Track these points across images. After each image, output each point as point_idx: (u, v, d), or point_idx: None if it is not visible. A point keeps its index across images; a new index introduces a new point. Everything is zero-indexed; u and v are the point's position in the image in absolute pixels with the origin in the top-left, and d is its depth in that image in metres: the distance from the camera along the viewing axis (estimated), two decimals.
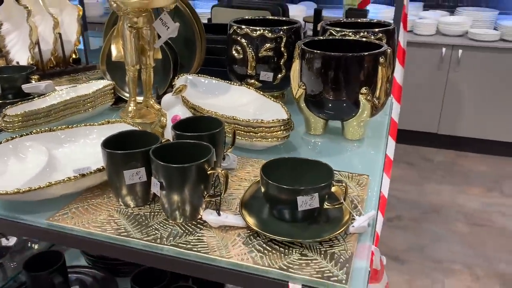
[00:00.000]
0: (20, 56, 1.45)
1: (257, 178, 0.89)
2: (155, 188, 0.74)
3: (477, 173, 2.95)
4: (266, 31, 1.18)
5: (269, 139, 0.97)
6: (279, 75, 1.22)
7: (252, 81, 1.24)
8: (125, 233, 0.73)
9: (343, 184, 0.74)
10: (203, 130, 0.84)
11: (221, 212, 0.75)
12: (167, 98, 0.99)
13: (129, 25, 1.02)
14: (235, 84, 1.19)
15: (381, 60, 0.98)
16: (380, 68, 0.99)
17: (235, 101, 1.15)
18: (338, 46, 1.09)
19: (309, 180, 0.77)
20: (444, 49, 2.99)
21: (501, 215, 2.51)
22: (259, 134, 0.97)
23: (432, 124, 3.19)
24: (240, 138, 0.98)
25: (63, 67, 1.50)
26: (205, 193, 0.75)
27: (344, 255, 0.68)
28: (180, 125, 0.85)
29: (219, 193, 0.75)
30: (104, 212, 0.78)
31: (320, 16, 1.65)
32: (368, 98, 1.00)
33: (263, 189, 0.74)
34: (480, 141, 3.14)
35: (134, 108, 1.10)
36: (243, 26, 1.20)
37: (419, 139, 3.29)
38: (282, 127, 0.98)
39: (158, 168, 0.71)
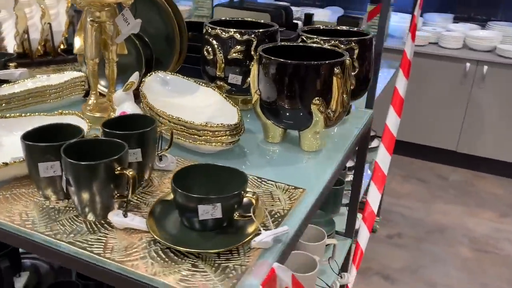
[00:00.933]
0: (12, 43, 1.49)
1: None
2: (64, 183, 0.74)
3: (492, 196, 2.81)
4: (237, 33, 1.15)
5: (213, 143, 0.95)
6: (249, 79, 1.20)
7: (222, 83, 1.22)
8: (30, 226, 0.73)
9: (254, 196, 0.71)
10: (136, 129, 0.83)
11: (129, 214, 0.73)
12: (118, 94, 0.99)
13: (91, 19, 1.03)
14: (203, 85, 1.17)
15: (336, 70, 0.94)
16: (335, 78, 0.95)
17: (198, 102, 1.14)
18: (303, 54, 1.06)
19: (225, 189, 0.75)
20: (468, 64, 2.86)
21: (509, 243, 2.37)
22: (203, 137, 0.95)
23: (451, 141, 3.05)
24: (184, 140, 0.97)
25: (53, 56, 1.53)
26: (115, 192, 0.73)
27: (237, 270, 0.65)
28: (112, 123, 0.84)
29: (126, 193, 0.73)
30: (21, 203, 0.78)
31: (310, 21, 1.61)
32: (321, 109, 0.96)
33: (172, 195, 0.72)
34: (500, 163, 2.98)
35: (95, 101, 1.11)
36: (215, 27, 1.18)
37: (435, 156, 3.16)
38: (228, 132, 0.95)
39: (65, 164, 0.70)
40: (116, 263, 0.65)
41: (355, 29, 1.23)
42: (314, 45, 1.08)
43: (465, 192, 2.84)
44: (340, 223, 1.53)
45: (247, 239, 0.68)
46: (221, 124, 0.94)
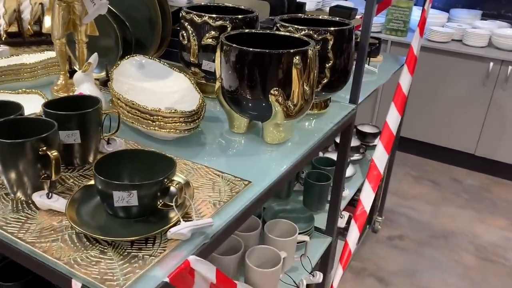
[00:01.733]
0: (1, 22, 1.51)
1: None
2: None
3: (506, 203, 2.67)
4: (210, 19, 1.12)
5: (167, 130, 0.93)
6: None
7: (196, 69, 1.19)
8: None
9: (177, 185, 0.68)
10: (80, 110, 0.82)
11: (54, 196, 0.72)
12: (77, 75, 0.98)
13: None
14: (177, 70, 1.15)
15: (295, 60, 0.89)
16: (294, 69, 0.90)
17: (168, 88, 1.12)
18: (271, 42, 1.02)
19: (154, 176, 0.73)
20: (491, 64, 2.72)
21: None
22: (156, 123, 0.93)
23: (470, 143, 2.92)
24: (137, 124, 0.95)
25: (45, 37, 1.54)
26: (42, 172, 0.72)
27: (144, 261, 0.63)
28: (55, 103, 0.83)
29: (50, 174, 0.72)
30: None
31: (302, 9, 1.55)
32: (279, 100, 0.92)
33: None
34: None
35: (63, 82, 1.10)
36: (190, 11, 1.15)
37: (452, 158, 3.04)
38: (182, 119, 0.93)
39: None
40: (26, 244, 0.64)
41: (337, 19, 1.17)
42: (282, 33, 1.04)
43: (478, 198, 2.71)
44: (325, 220, 1.48)
45: (161, 229, 0.66)
46: (174, 110, 0.92)
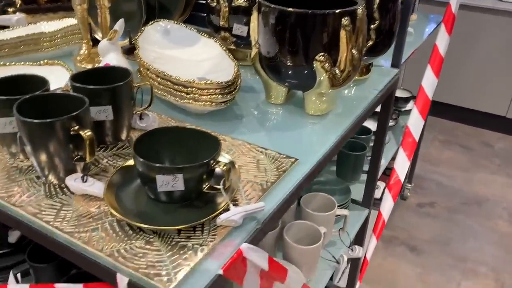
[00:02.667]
0: None
1: None
2: (18, 142, 0.68)
3: None
4: None
5: (202, 103, 0.85)
6: None
7: (226, 34, 1.10)
8: None
9: (225, 167, 0.61)
10: (110, 83, 0.75)
11: (90, 179, 0.66)
12: (102, 44, 0.91)
13: None
14: (205, 36, 1.06)
15: (344, 21, 0.80)
16: (342, 31, 0.81)
17: (197, 55, 1.04)
18: (312, 2, 0.92)
19: (197, 157, 0.66)
20: None
21: None
22: (190, 95, 0.85)
23: (501, 106, 2.80)
24: (170, 97, 0.88)
25: (61, 2, 1.45)
26: (75, 154, 0.66)
27: (195, 251, 0.57)
28: (84, 76, 0.76)
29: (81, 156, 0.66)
30: None
31: None
32: (325, 67, 0.83)
33: (134, 162, 0.64)
34: None
35: (86, 52, 1.03)
36: None
37: (482, 121, 2.92)
38: (218, 90, 0.85)
39: (17, 121, 0.63)
40: (64, 235, 0.59)
41: None
42: None
43: (511, 162, 2.61)
44: (360, 191, 1.42)
45: (210, 216, 0.60)
46: (211, 81, 0.84)
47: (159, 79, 0.89)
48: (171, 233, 0.60)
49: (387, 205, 1.62)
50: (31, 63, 0.93)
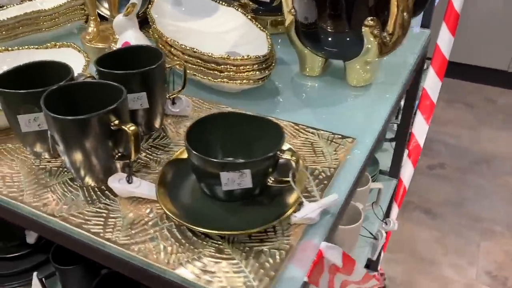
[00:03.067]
0: None
1: None
2: (49, 141, 0.59)
3: None
4: None
5: (238, 81, 0.77)
6: None
7: (246, 1, 1.00)
8: (16, 194, 0.58)
9: (293, 157, 0.53)
10: (139, 66, 0.66)
11: (134, 179, 0.58)
12: (118, 19, 0.80)
13: None
14: (224, 4, 0.96)
15: None
16: None
17: (219, 27, 0.94)
18: None
19: (255, 147, 0.58)
20: None
21: None
22: (225, 73, 0.76)
23: (502, 60, 2.74)
24: (202, 77, 0.79)
25: None
26: (116, 152, 0.58)
27: (274, 257, 0.50)
28: (109, 59, 0.66)
29: (126, 154, 0.57)
30: (7, 163, 0.64)
31: None
32: (375, 32, 0.75)
33: (188, 157, 0.56)
34: None
35: (95, 29, 0.92)
36: None
37: (484, 77, 2.87)
38: (256, 66, 0.76)
39: (47, 118, 0.54)
40: (119, 248, 0.51)
41: None
42: None
43: None
44: (383, 160, 1.36)
45: (286, 215, 0.52)
46: (247, 56, 0.75)
47: (186, 56, 0.79)
48: (240, 236, 0.52)
49: (408, 171, 1.57)
50: (37, 47, 0.82)
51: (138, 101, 0.64)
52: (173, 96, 0.72)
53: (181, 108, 0.74)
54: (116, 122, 0.55)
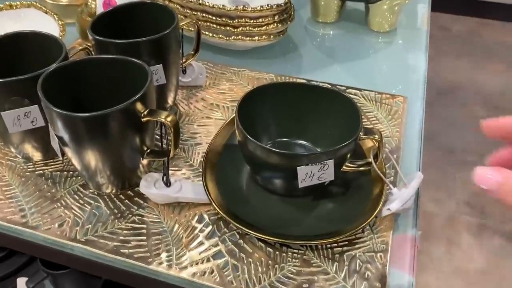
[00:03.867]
0: None
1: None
2: (54, 143, 0.45)
3: (499, 45, 2.59)
4: None
5: (256, 37, 0.64)
6: None
7: None
8: (16, 216, 0.44)
9: (377, 137, 0.43)
10: (144, 27, 0.51)
11: (172, 180, 0.46)
12: None
13: None
14: None
15: None
16: None
17: None
18: None
19: (319, 125, 0.48)
20: None
21: None
22: (240, 29, 0.63)
23: None
24: (212, 35, 0.65)
25: None
26: (144, 148, 0.45)
27: (372, 263, 0.41)
28: (105, 20, 0.51)
29: (166, 148, 0.44)
30: None
31: None
32: None
33: (240, 143, 0.44)
34: (507, 7, 2.71)
35: None
36: None
37: (436, 4, 2.84)
38: (277, 17, 0.63)
39: (51, 114, 0.40)
40: (182, 276, 0.40)
41: None
42: None
43: (471, 43, 2.61)
44: None
45: (378, 209, 0.43)
46: (267, 5, 0.62)
47: (187, 10, 0.64)
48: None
49: None
50: None
51: (154, 76, 0.50)
52: (188, 63, 0.58)
53: (193, 77, 0.61)
54: (146, 112, 0.41)
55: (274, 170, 0.42)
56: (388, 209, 0.43)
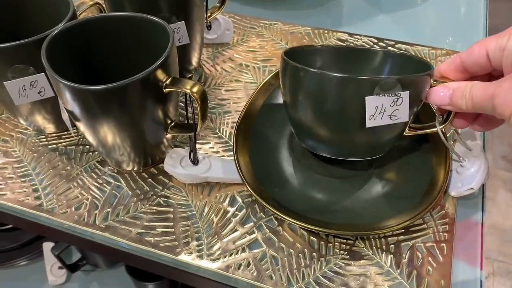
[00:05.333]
0: None
1: (272, 65, 0.51)
2: (64, 115, 0.39)
3: None
4: None
5: None
6: None
7: None
8: (29, 198, 0.40)
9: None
10: None
11: (199, 157, 0.40)
12: None
13: None
14: None
15: None
16: None
17: None
18: None
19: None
20: None
21: None
22: None
23: None
24: None
25: None
26: (168, 121, 0.39)
27: (434, 255, 0.35)
28: None
29: (193, 122, 0.38)
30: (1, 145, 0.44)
31: None
32: None
33: (286, 89, 0.37)
34: None
35: None
36: None
37: None
38: None
39: (58, 86, 0.34)
40: (215, 271, 0.35)
41: None
42: None
43: None
44: None
45: (442, 189, 0.37)
46: None
47: None
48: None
49: None
50: None
51: (176, 35, 0.44)
52: (211, 18, 0.51)
53: (219, 34, 0.54)
54: (168, 82, 0.35)
55: (335, 103, 0.35)
56: (459, 187, 0.37)
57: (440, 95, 0.34)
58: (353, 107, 0.34)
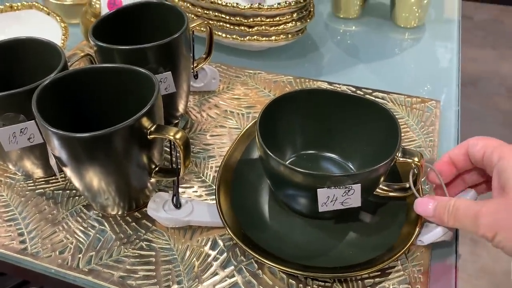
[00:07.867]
0: None
1: (255, 112, 0.53)
2: (52, 161, 0.41)
3: None
4: None
5: (272, 37, 0.59)
6: None
7: None
8: (13, 242, 0.41)
9: (418, 161, 0.38)
10: (151, 30, 0.47)
11: (182, 201, 0.41)
12: None
13: None
14: None
15: None
16: None
17: None
18: None
19: (350, 137, 0.43)
20: None
21: None
22: (255, 28, 0.58)
23: None
24: (225, 36, 0.60)
25: None
26: (152, 166, 0.40)
27: None
28: (109, 22, 0.47)
29: (175, 166, 0.40)
30: None
31: None
32: None
33: (260, 157, 0.39)
34: None
35: None
36: None
37: None
38: (295, 15, 0.58)
39: (47, 133, 0.36)
40: None
41: None
42: None
43: (494, 33, 2.51)
44: None
45: (415, 235, 0.38)
46: (284, 2, 0.57)
47: (200, 9, 0.59)
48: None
49: None
50: None
51: (163, 84, 0.46)
52: (197, 68, 0.54)
53: (205, 82, 0.56)
54: (153, 129, 0.37)
55: (295, 190, 0.38)
56: (420, 241, 0.38)
57: (426, 207, 0.36)
58: (309, 194, 0.36)
